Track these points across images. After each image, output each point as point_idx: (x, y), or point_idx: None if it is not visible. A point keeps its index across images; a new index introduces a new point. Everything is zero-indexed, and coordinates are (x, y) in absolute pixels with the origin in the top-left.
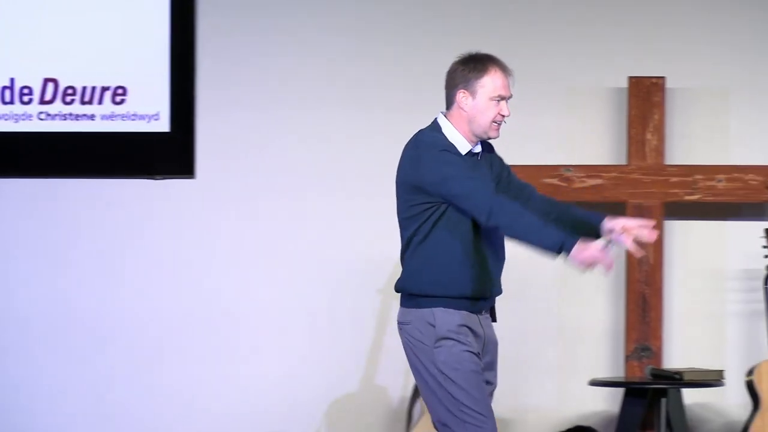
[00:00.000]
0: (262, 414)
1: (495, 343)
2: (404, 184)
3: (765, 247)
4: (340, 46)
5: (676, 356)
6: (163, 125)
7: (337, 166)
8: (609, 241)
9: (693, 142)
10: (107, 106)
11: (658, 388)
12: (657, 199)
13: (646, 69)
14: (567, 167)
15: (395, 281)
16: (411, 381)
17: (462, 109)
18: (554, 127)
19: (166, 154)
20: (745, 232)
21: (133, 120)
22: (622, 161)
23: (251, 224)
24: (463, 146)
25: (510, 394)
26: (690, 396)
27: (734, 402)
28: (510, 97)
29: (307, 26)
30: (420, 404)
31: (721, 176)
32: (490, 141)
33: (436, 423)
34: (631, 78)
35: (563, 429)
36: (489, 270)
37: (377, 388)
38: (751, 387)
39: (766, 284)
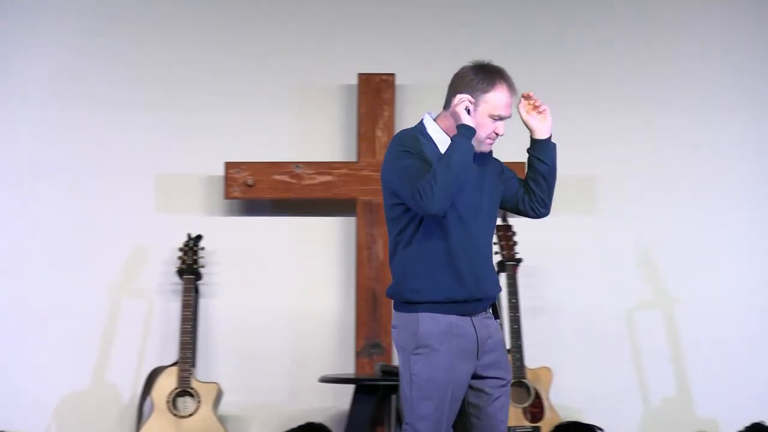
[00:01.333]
0: None
1: (499, 341)
2: (384, 184)
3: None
4: (59, 42)
5: None
6: None
7: (65, 163)
8: None
9: None
10: None
11: (389, 385)
12: None
13: (376, 66)
14: (297, 164)
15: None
16: (142, 379)
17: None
18: (285, 124)
19: None
20: None
21: None
22: (353, 158)
23: None
24: (446, 144)
25: (240, 391)
26: None
27: None
28: (509, 117)
29: (26, 22)
30: (150, 401)
31: None
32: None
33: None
34: (360, 75)
35: (294, 426)
36: (478, 270)
37: (108, 385)
38: None
39: None
